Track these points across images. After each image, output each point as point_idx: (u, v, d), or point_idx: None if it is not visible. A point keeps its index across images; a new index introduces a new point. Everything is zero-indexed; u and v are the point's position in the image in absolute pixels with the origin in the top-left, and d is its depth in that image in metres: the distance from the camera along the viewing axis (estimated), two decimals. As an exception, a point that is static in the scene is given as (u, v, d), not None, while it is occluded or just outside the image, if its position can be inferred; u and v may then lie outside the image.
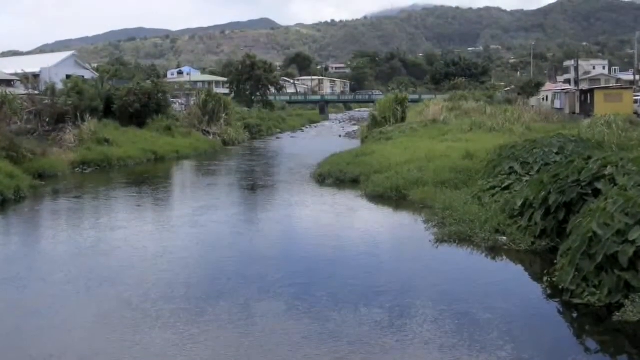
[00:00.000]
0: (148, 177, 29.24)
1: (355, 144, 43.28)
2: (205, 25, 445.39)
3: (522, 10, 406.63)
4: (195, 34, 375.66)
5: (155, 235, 16.90)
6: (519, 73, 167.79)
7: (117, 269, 13.47)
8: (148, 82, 49.92)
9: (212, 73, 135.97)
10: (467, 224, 15.16)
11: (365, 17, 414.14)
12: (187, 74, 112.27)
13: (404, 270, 13.40)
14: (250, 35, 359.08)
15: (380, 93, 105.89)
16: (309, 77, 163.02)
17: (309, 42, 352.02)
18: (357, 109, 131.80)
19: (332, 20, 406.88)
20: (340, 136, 56.99)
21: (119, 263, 13.96)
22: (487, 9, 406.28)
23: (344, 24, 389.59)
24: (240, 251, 15.20)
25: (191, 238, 16.56)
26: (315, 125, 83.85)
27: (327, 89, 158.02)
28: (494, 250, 14.01)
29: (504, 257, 13.72)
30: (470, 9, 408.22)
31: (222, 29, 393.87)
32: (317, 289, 11.79)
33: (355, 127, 64.73)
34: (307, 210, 20.75)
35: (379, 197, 21.11)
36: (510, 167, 18.35)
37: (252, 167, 33.79)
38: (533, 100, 73.33)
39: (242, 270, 13.26)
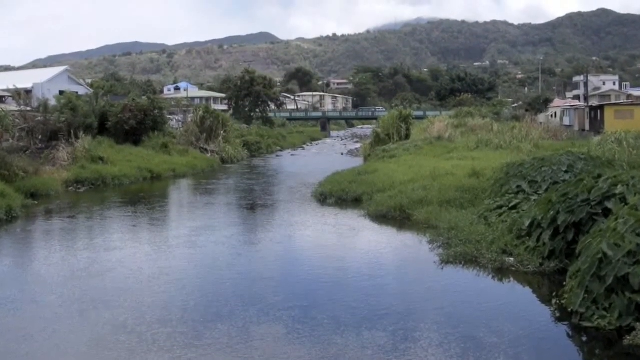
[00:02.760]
0: (144, 197, 28.90)
1: (358, 162, 43.08)
2: (202, 39, 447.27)
3: (530, 24, 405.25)
4: (192, 49, 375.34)
5: (152, 256, 16.60)
6: (526, 89, 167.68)
7: (112, 291, 13.17)
8: (144, 98, 49.71)
9: (210, 89, 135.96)
10: (473, 245, 14.85)
11: (367, 31, 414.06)
12: (185, 90, 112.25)
13: (407, 293, 13.08)
14: (249, 49, 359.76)
15: (384, 109, 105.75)
16: (310, 93, 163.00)
17: (310, 56, 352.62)
18: (359, 126, 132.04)
19: (334, 35, 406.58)
20: (342, 154, 56.83)
21: (113, 285, 13.66)
22: (494, 22, 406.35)
23: (346, 38, 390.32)
24: (239, 273, 14.90)
25: (188, 259, 16.28)
26: (316, 142, 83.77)
27: (328, 105, 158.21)
28: (501, 272, 13.68)
29: (512, 279, 13.39)
30: (477, 22, 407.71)
31: (220, 43, 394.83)
32: (319, 312, 11.48)
33: (358, 145, 64.57)
34: (308, 230, 20.44)
35: (382, 217, 20.79)
36: (518, 186, 18.06)
37: (251, 185, 33.53)
38: (541, 117, 73.11)
39: (241, 292, 12.96)
